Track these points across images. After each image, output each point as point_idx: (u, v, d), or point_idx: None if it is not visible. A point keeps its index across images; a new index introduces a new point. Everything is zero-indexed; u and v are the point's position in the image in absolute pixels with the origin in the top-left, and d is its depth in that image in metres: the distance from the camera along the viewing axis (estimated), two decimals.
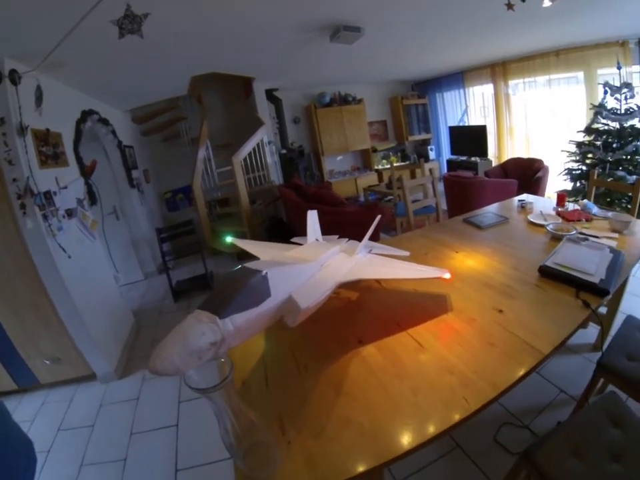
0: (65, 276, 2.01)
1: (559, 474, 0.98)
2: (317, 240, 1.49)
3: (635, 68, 3.72)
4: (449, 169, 6.44)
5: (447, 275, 1.32)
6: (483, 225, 2.24)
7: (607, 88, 3.38)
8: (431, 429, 0.80)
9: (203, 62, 3.07)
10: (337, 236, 1.79)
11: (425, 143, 7.08)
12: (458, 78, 6.10)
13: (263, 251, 1.44)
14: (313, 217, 1.67)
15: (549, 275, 1.47)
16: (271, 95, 4.82)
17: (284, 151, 5.20)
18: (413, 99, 6.83)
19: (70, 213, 2.23)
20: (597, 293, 1.31)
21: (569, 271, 1.44)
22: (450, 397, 0.88)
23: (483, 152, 5.85)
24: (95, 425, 1.94)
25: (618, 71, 3.38)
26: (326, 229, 3.16)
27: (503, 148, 5.82)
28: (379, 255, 1.52)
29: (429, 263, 1.64)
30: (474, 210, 3.53)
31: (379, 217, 1.71)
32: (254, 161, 4.27)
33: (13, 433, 0.81)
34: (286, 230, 4.13)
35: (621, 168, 3.24)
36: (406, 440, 0.79)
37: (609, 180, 3.16)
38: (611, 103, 3.42)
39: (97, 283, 2.49)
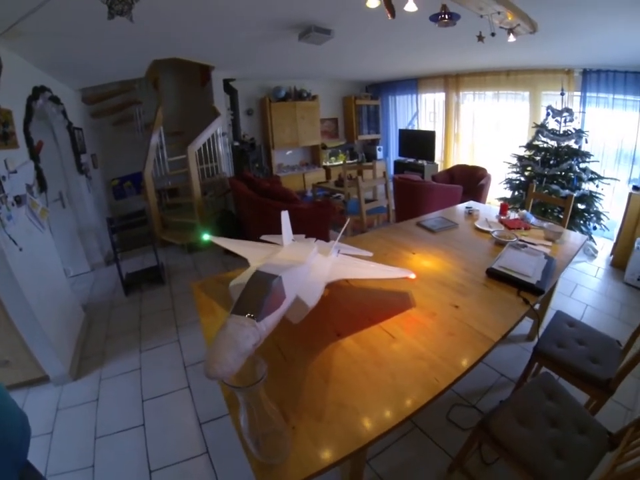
0: (16, 270, 1.86)
1: (510, 439, 1.23)
2: (293, 240, 1.59)
3: (577, 94, 4.31)
4: (395, 169, 6.86)
5: (412, 276, 1.52)
6: (435, 229, 2.48)
7: (549, 110, 3.91)
8: (413, 405, 0.98)
9: (166, 46, 2.98)
10: (304, 235, 1.91)
11: (374, 142, 7.49)
12: (412, 84, 6.53)
13: (246, 250, 1.51)
14: (285, 217, 1.77)
15: (495, 276, 1.75)
16: (227, 85, 4.79)
17: (236, 143, 5.22)
18: (366, 99, 7.18)
19: (19, 201, 2.04)
20: (534, 292, 1.61)
21: (511, 273, 1.72)
22: (423, 378, 1.07)
23: (430, 156, 6.34)
24: (53, 432, 1.84)
25: (561, 96, 3.91)
26: (280, 225, 3.29)
27: (448, 153, 6.36)
28: (347, 255, 1.67)
29: (389, 263, 1.81)
30: (422, 211, 3.88)
31: (348, 221, 1.84)
32: (207, 151, 4.25)
33: (9, 405, 0.82)
34: (236, 223, 4.16)
35: (555, 182, 3.76)
36: (394, 414, 0.95)
37: (544, 192, 3.66)
38: (551, 124, 3.95)
39: (47, 276, 2.33)
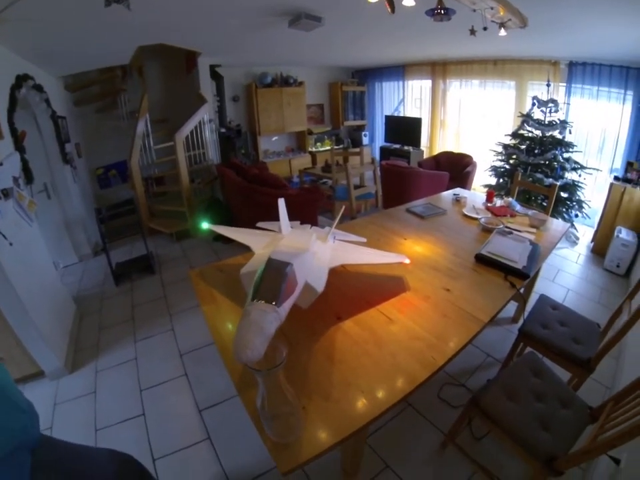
0: (7, 266, 1.83)
1: (500, 413, 1.33)
2: (291, 227, 1.62)
3: (562, 85, 4.41)
4: (381, 155, 6.92)
5: (407, 261, 1.59)
6: (425, 215, 2.56)
7: (535, 101, 4.01)
8: (413, 381, 1.05)
9: (153, 32, 2.91)
10: (299, 222, 1.95)
11: (359, 128, 7.52)
12: (399, 70, 6.55)
13: (247, 238, 1.53)
14: (282, 205, 1.80)
15: (483, 261, 1.84)
16: (213, 71, 4.72)
17: (223, 130, 5.20)
18: (353, 85, 7.19)
19: (6, 194, 2.00)
20: (520, 277, 1.70)
21: (499, 258, 1.81)
22: (421, 357, 1.14)
23: (416, 142, 6.43)
24: (52, 427, 1.83)
25: (547, 87, 4.01)
26: (269, 211, 3.31)
27: (434, 140, 6.46)
28: (343, 241, 1.71)
29: (382, 248, 1.84)
30: (409, 197, 3.96)
31: (343, 208, 1.88)
32: (194, 139, 4.22)
33: (15, 389, 0.84)
34: (225, 210, 4.17)
35: (539, 171, 3.88)
36: (397, 391, 1.02)
37: (528, 180, 3.78)
38: (537, 114, 4.06)
39: (37, 270, 2.30)
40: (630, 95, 3.88)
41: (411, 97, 6.79)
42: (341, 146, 7.15)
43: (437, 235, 2.23)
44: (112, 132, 4.03)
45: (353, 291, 1.56)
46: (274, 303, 0.89)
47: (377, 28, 3.26)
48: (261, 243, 1.44)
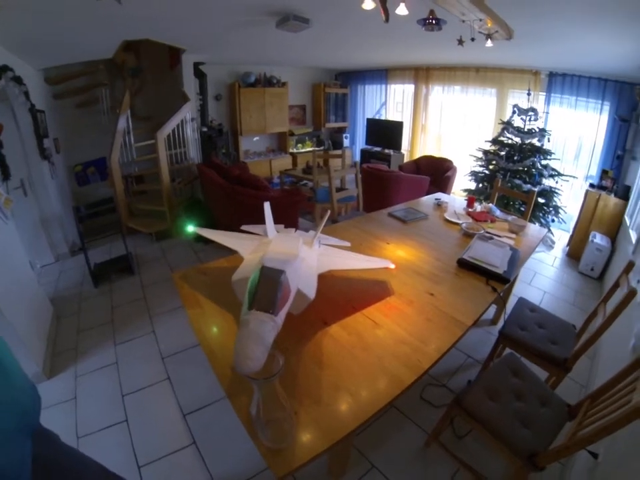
0: None
1: (482, 412, 1.38)
2: (277, 231, 1.63)
3: (542, 94, 4.58)
4: (362, 157, 7.03)
5: (392, 266, 1.63)
6: (407, 220, 2.61)
7: (516, 109, 4.15)
8: (401, 384, 1.08)
9: (139, 26, 2.86)
10: (283, 225, 1.95)
11: (340, 130, 7.61)
12: (382, 74, 6.65)
13: (233, 242, 1.53)
14: (268, 208, 1.80)
15: (465, 266, 1.90)
16: (196, 69, 4.67)
17: (205, 129, 5.16)
18: (335, 87, 7.26)
19: None
20: (501, 281, 1.77)
21: (480, 263, 1.87)
22: (407, 360, 1.17)
23: (397, 146, 6.55)
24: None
25: (527, 96, 4.16)
26: (251, 213, 3.31)
27: (415, 144, 6.60)
28: (327, 245, 1.73)
29: (365, 253, 1.90)
30: (389, 201, 4.04)
31: (328, 213, 1.89)
32: (176, 137, 4.16)
33: (15, 367, 0.82)
34: (205, 211, 4.13)
35: (518, 177, 4.02)
36: (387, 393, 1.05)
37: (507, 186, 3.91)
38: (517, 121, 4.21)
39: (14, 270, 2.19)
40: (607, 106, 4.09)
41: (393, 101, 6.90)
42: (322, 148, 7.21)
43: (419, 239, 2.28)
44: (92, 127, 3.91)
45: (338, 296, 1.58)
46: (271, 312, 0.90)
47: (364, 32, 3.31)
48: (248, 247, 1.44)
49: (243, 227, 1.85)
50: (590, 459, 1.36)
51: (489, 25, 1.95)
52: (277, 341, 1.23)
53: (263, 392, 0.81)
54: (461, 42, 2.28)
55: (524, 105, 4.14)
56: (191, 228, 1.70)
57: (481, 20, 1.87)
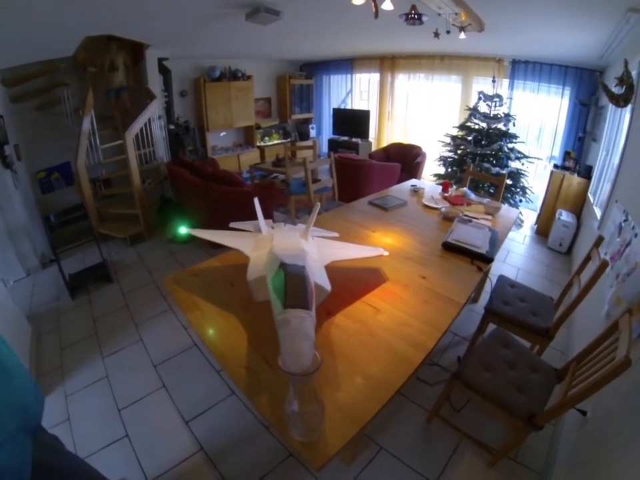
0: None
1: (480, 383, 1.48)
2: (272, 227, 1.65)
3: (505, 80, 4.83)
4: (329, 147, 7.11)
5: (386, 253, 1.69)
6: (388, 207, 2.68)
7: (481, 95, 4.34)
8: (412, 363, 1.15)
9: (102, 21, 2.72)
10: (271, 220, 1.96)
11: (306, 121, 7.65)
12: (347, 64, 6.73)
13: (231, 240, 1.52)
14: (257, 204, 1.81)
15: (450, 248, 2.00)
16: (160, 65, 4.52)
17: (172, 126, 5.06)
18: (300, 78, 7.27)
19: None
20: (485, 261, 1.89)
21: (464, 245, 1.98)
22: (413, 341, 1.24)
23: (364, 134, 6.69)
24: None
25: (492, 82, 4.36)
26: (228, 210, 3.30)
27: (382, 132, 6.76)
28: (319, 237, 1.77)
29: (353, 241, 1.96)
30: (363, 189, 4.13)
31: (318, 206, 1.90)
32: (143, 136, 4.03)
33: (23, 370, 0.82)
34: (178, 211, 4.05)
35: (487, 160, 4.22)
36: (400, 373, 1.11)
37: (477, 169, 4.10)
38: (482, 107, 4.40)
39: None
40: (568, 90, 4.38)
41: (358, 90, 7.01)
42: (289, 139, 7.24)
43: (402, 225, 2.36)
44: (54, 131, 3.67)
45: (336, 286, 1.59)
46: (306, 308, 0.91)
47: (333, 23, 3.34)
48: (247, 244, 1.45)
49: (232, 225, 1.84)
50: (579, 416, 1.50)
51: (463, 18, 2.04)
52: None
53: (300, 387, 0.83)
54: (437, 34, 2.37)
55: (489, 91, 4.33)
56: (183, 230, 1.66)
57: (456, 14, 1.96)
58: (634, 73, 2.23)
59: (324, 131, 7.74)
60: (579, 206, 3.86)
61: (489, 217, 2.56)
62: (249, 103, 6.40)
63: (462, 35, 2.35)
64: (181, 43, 4.06)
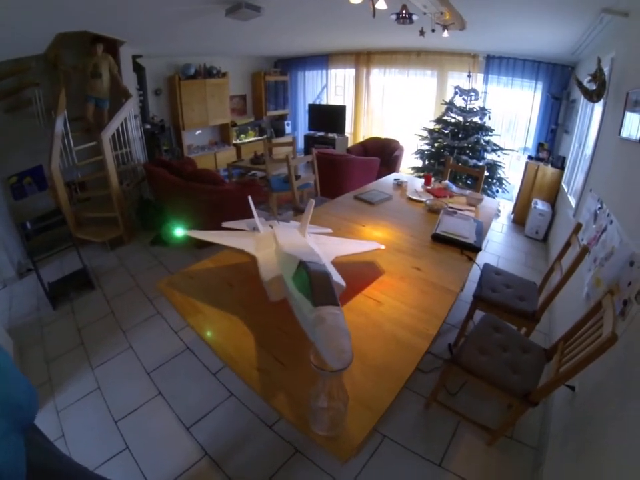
0: None
1: (477, 366, 1.57)
2: (270, 226, 1.66)
3: (480, 75, 5.01)
4: (306, 143, 7.17)
5: (383, 247, 1.74)
6: (374, 201, 2.74)
7: (457, 90, 4.49)
8: (419, 351, 1.20)
9: (77, 17, 2.62)
10: (263, 218, 1.97)
11: (282, 118, 7.67)
12: (323, 59, 6.77)
13: (232, 240, 1.51)
14: (251, 203, 1.82)
15: (439, 239, 2.09)
16: (134, 62, 4.40)
17: (148, 126, 4.96)
18: (275, 75, 7.28)
19: None
20: (474, 250, 1.98)
21: (453, 236, 2.07)
22: (416, 330, 1.30)
23: (340, 129, 6.78)
24: None
25: (468, 77, 4.53)
26: (211, 209, 3.26)
27: (358, 126, 6.89)
28: (315, 233, 1.80)
29: (346, 237, 1.99)
30: (343, 184, 4.20)
31: (312, 202, 1.89)
32: (120, 137, 3.93)
33: (9, 364, 0.81)
34: (159, 212, 4.00)
35: (464, 153, 4.37)
36: (409, 361, 1.16)
37: (455, 161, 4.23)
38: (458, 101, 4.54)
39: None
40: (540, 85, 4.61)
41: (333, 86, 7.08)
42: (265, 136, 7.25)
43: (390, 219, 2.43)
44: (25, 133, 3.48)
45: None
46: (336, 304, 0.93)
47: (312, 19, 3.35)
48: (249, 244, 1.45)
49: (224, 224, 1.83)
50: (568, 392, 1.61)
51: (447, 17, 2.12)
52: (290, 332, 1.26)
53: (329, 383, 0.85)
54: (422, 33, 2.46)
55: (465, 85, 4.49)
56: (179, 232, 1.63)
57: (441, 13, 2.03)
58: (606, 70, 2.38)
59: (299, 127, 7.78)
60: (553, 195, 4.07)
61: (472, 208, 2.67)
62: (224, 101, 6.35)
63: (445, 34, 2.44)
64: (157, 39, 3.96)
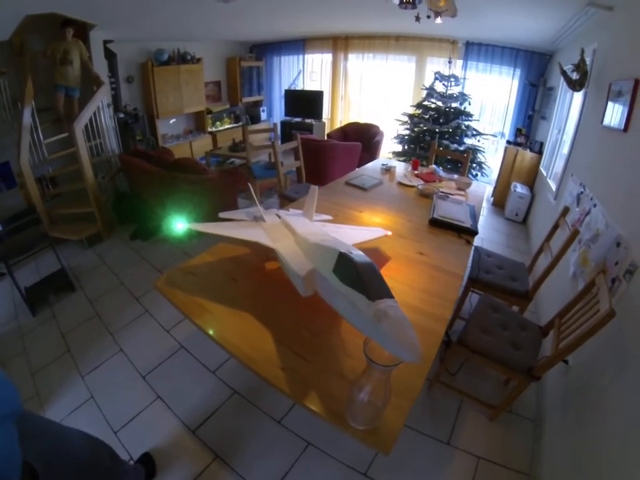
0: None
1: (482, 345, 1.66)
2: (277, 215, 1.62)
3: (459, 61, 5.08)
4: (282, 129, 7.10)
5: (389, 233, 1.76)
6: (366, 187, 2.75)
7: (438, 75, 4.56)
8: (438, 334, 1.25)
9: None
10: (263, 207, 1.93)
11: (257, 104, 7.58)
12: (299, 44, 6.69)
13: (243, 233, 1.44)
14: (252, 190, 1.79)
15: (437, 224, 2.14)
16: (105, 48, 4.18)
17: (121, 115, 4.78)
18: (251, 60, 7.15)
19: None
20: (471, 234, 2.05)
21: (450, 220, 2.14)
22: (432, 314, 1.35)
23: (317, 115, 6.80)
24: None
25: (448, 63, 4.63)
26: (195, 198, 3.18)
27: (335, 112, 6.93)
28: (319, 221, 1.78)
29: (346, 223, 1.94)
30: (326, 170, 4.23)
31: (316, 190, 1.85)
32: (93, 127, 3.75)
33: None
34: (135, 205, 3.89)
35: (445, 137, 4.47)
36: (431, 344, 1.20)
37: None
38: (438, 87, 4.62)
39: None
40: (518, 72, 4.77)
41: (310, 71, 7.03)
42: (240, 123, 7.17)
43: (384, 204, 2.45)
44: None
45: None
46: (391, 296, 0.90)
47: (295, 3, 3.29)
48: (261, 235, 1.40)
49: (221, 215, 1.76)
50: (562, 366, 1.73)
51: (442, 4, 2.16)
52: (308, 328, 1.25)
53: (378, 377, 0.84)
54: (417, 19, 2.49)
55: (445, 71, 4.58)
56: (182, 225, 1.48)
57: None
58: (588, 60, 2.50)
59: (275, 113, 7.70)
60: (532, 179, 4.27)
61: (462, 193, 2.76)
62: (199, 87, 6.19)
63: (438, 20, 2.48)
64: (131, 22, 3.76)
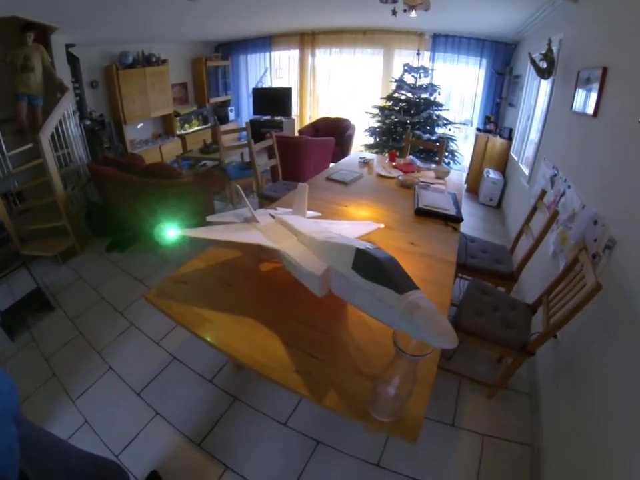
0: None
1: (476, 327, 1.73)
2: (271, 216, 1.61)
3: (427, 53, 5.21)
4: (252, 128, 6.95)
5: (382, 225, 1.80)
6: (347, 181, 2.77)
7: (407, 67, 4.64)
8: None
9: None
10: (263, 208, 1.92)
11: (224, 104, 7.52)
12: (265, 42, 6.65)
13: (239, 236, 1.42)
14: (241, 191, 1.78)
15: (422, 213, 2.19)
16: (67, 53, 3.99)
17: (87, 122, 4.61)
18: (217, 60, 7.05)
19: None
20: (456, 221, 2.11)
21: (435, 209, 2.19)
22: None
23: (287, 112, 6.81)
24: None
25: (417, 55, 4.74)
26: (171, 204, 3.14)
27: (304, 108, 6.96)
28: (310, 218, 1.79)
29: (333, 219, 1.90)
30: (301, 166, 4.25)
31: (306, 188, 1.85)
32: (59, 136, 3.58)
33: None
34: (108, 215, 3.78)
35: (417, 128, 4.56)
36: None
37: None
38: (408, 79, 4.71)
39: None
40: (485, 61, 4.95)
41: (277, 68, 7.00)
42: (209, 124, 7.09)
43: (368, 197, 2.48)
44: None
45: None
46: (417, 288, 0.90)
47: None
48: (260, 238, 1.38)
49: (209, 219, 1.73)
50: (552, 340, 1.82)
51: None
52: (315, 326, 1.25)
53: (407, 368, 0.85)
54: (394, 13, 2.52)
55: (413, 63, 4.67)
56: (172, 232, 1.36)
57: None
58: (554, 49, 2.62)
59: (243, 113, 7.64)
60: (503, 164, 4.44)
61: (442, 181, 2.84)
62: (165, 90, 6.05)
63: (413, 14, 2.53)
64: (94, 25, 3.61)
